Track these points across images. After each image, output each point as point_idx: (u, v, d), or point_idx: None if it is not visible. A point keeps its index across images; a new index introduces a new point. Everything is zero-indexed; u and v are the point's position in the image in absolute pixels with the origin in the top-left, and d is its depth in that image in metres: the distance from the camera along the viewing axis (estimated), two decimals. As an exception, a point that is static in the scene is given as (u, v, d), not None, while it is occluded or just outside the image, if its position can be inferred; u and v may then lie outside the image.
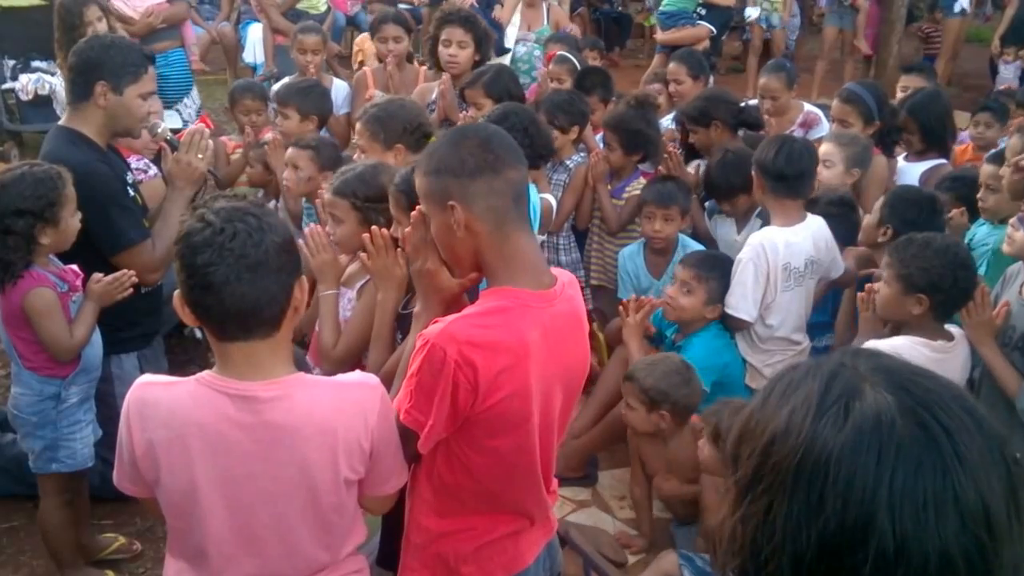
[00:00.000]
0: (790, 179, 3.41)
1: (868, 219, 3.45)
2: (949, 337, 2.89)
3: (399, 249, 2.37)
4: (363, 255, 2.44)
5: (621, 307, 3.54)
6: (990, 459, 0.89)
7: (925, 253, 2.82)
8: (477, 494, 1.91)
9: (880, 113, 4.25)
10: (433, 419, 1.76)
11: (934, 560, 0.85)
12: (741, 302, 3.40)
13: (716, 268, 3.48)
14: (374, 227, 2.43)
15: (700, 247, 3.93)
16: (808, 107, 5.03)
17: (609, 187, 4.21)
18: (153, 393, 1.77)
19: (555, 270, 1.94)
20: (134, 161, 3.82)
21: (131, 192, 3.28)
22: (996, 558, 0.87)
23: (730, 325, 3.50)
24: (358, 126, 3.27)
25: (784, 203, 3.45)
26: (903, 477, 0.86)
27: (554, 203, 3.93)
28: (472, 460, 1.86)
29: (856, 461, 0.88)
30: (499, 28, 5.68)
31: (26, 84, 6.38)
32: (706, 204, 4.25)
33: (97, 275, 2.86)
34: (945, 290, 2.80)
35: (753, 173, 3.50)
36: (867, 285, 3.13)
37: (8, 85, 6.54)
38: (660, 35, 7.37)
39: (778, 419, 0.94)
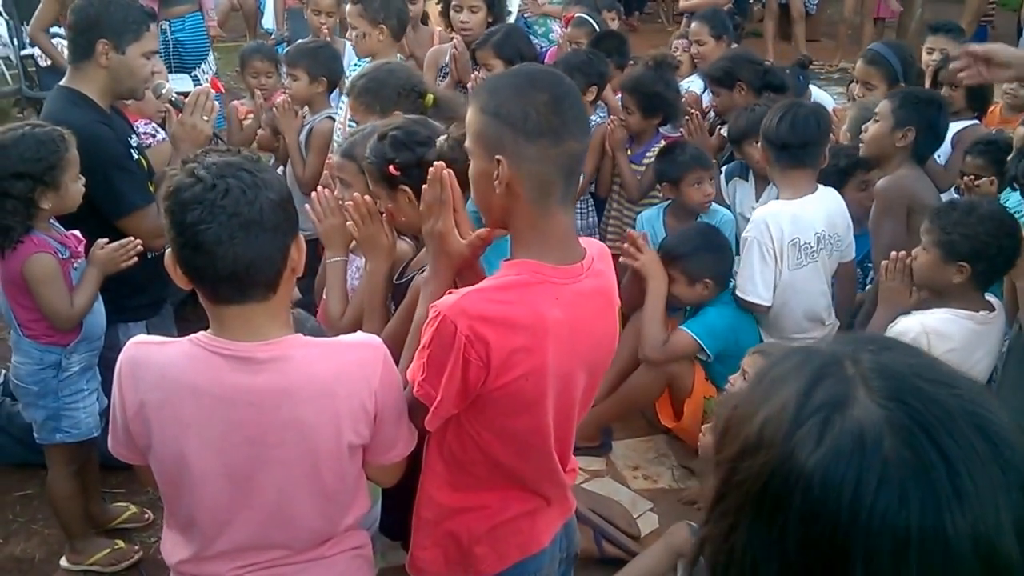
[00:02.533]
0: (794, 148, 3.26)
1: (875, 128, 3.29)
2: (990, 308, 2.77)
3: (383, 216, 2.28)
4: (349, 224, 2.34)
5: (628, 245, 3.38)
6: (1003, 488, 0.73)
7: (968, 219, 2.69)
8: (491, 469, 1.84)
9: (906, 75, 4.10)
10: (442, 394, 1.68)
11: None
12: (749, 284, 3.28)
13: (684, 245, 3.38)
14: (356, 195, 2.33)
15: (725, 211, 3.84)
16: (816, 93, 4.80)
17: (629, 152, 4.11)
18: (145, 352, 1.70)
19: (586, 241, 1.83)
20: (141, 125, 3.77)
21: (135, 155, 3.21)
22: None
23: (746, 309, 3.38)
24: (349, 101, 3.17)
25: (790, 174, 3.31)
26: (883, 511, 0.71)
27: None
28: (483, 438, 1.78)
29: (828, 488, 0.73)
30: None
31: (45, 49, 6.34)
32: (724, 168, 4.13)
33: (101, 241, 2.80)
34: (989, 258, 2.69)
35: (759, 143, 3.37)
36: (894, 253, 3.00)
37: (27, 51, 6.51)
38: (682, 1, 7.25)
39: (751, 426, 0.80)
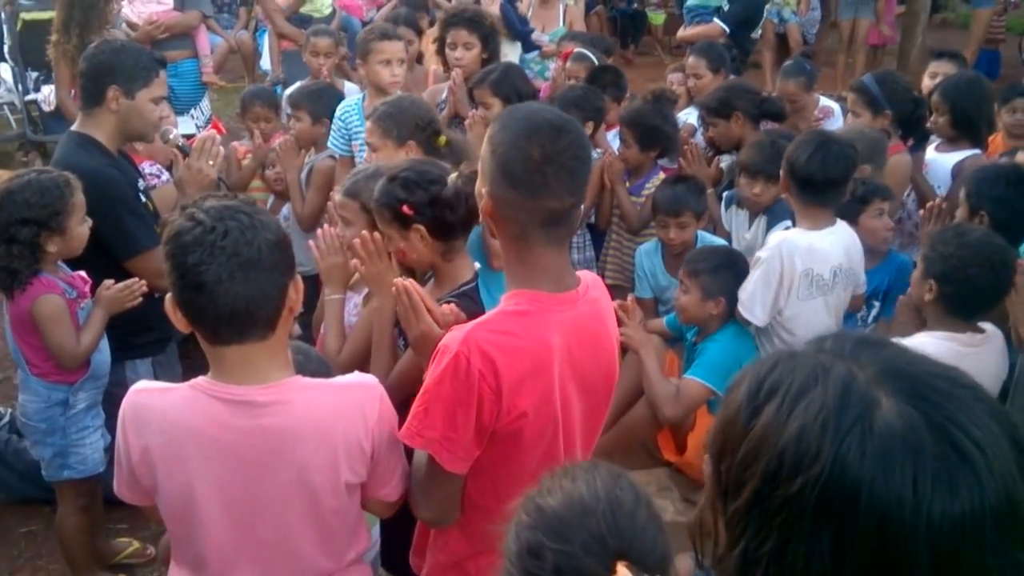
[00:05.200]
0: (819, 186, 3.13)
1: (959, 215, 3.21)
2: (979, 331, 2.73)
3: (391, 255, 2.33)
4: (356, 262, 2.38)
5: (621, 313, 3.29)
6: (1016, 461, 0.80)
7: (953, 240, 2.69)
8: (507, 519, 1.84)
9: (890, 102, 4.07)
10: (460, 432, 1.68)
11: None
12: (748, 301, 3.26)
13: (707, 260, 3.37)
14: (364, 232, 2.37)
15: (721, 242, 3.83)
16: (823, 101, 4.94)
17: (628, 184, 4.16)
18: (148, 399, 1.74)
19: (579, 272, 1.86)
20: (146, 167, 3.83)
21: (143, 198, 3.27)
22: None
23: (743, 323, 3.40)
24: (368, 124, 3.22)
25: (811, 209, 3.22)
26: (941, 505, 0.77)
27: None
28: (501, 478, 1.77)
29: (890, 491, 0.77)
30: (527, 23, 5.59)
31: (48, 95, 6.41)
32: (723, 195, 4.15)
33: (108, 282, 2.85)
34: (954, 282, 2.64)
35: (781, 170, 3.29)
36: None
37: (31, 96, 6.61)
38: (679, 32, 7.34)
39: (782, 441, 0.82)
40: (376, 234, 2.34)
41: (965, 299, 2.68)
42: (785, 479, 0.81)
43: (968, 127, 4.11)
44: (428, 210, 2.21)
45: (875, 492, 0.78)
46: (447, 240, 2.25)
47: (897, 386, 0.82)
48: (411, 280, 1.94)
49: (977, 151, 4.07)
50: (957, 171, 3.95)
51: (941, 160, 4.12)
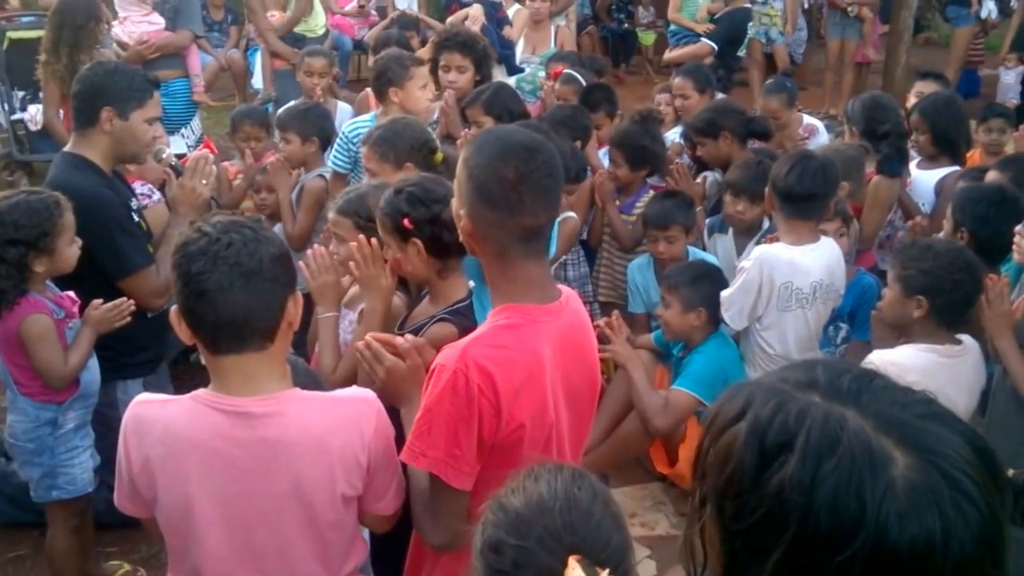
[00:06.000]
0: (799, 199, 3.24)
1: (944, 230, 3.31)
2: (958, 343, 2.81)
3: (387, 262, 2.38)
4: (351, 264, 2.44)
5: (607, 330, 3.38)
6: (989, 479, 0.86)
7: (926, 255, 2.78)
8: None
9: (867, 123, 4.16)
10: (464, 450, 1.70)
11: None
12: (728, 303, 3.35)
13: (685, 273, 3.44)
14: (361, 236, 2.43)
15: (710, 258, 3.88)
16: (807, 119, 5.03)
17: (618, 203, 4.20)
18: (149, 410, 1.78)
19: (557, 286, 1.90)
20: (138, 187, 3.83)
21: (135, 218, 3.28)
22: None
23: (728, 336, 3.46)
24: (365, 149, 3.27)
25: (793, 223, 3.30)
26: (960, 540, 0.82)
27: (578, 221, 3.95)
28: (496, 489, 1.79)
29: (929, 542, 0.82)
30: (510, 47, 5.65)
31: (35, 114, 6.39)
32: (707, 220, 4.20)
33: (96, 302, 2.84)
34: (945, 292, 2.73)
35: (767, 188, 3.38)
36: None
37: (18, 116, 6.59)
38: (666, 54, 7.42)
39: (817, 499, 0.83)
40: (374, 240, 2.40)
41: (955, 307, 2.76)
42: (828, 540, 0.83)
43: (948, 145, 4.26)
44: (427, 227, 2.24)
45: (916, 547, 0.82)
46: (443, 258, 2.27)
47: (899, 437, 0.85)
48: (369, 336, 1.98)
49: (957, 168, 4.20)
50: (939, 187, 4.09)
51: (924, 177, 4.25)
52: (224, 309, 1.66)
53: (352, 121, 4.26)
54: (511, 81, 5.35)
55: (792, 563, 0.85)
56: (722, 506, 0.91)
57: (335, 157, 4.15)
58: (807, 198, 3.25)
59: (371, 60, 5.94)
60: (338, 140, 4.18)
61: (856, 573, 0.82)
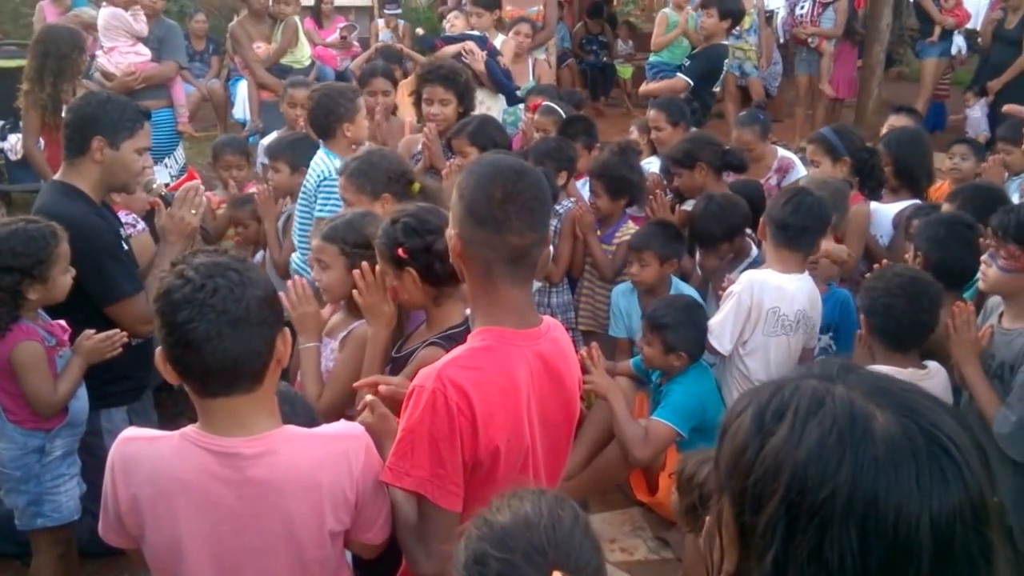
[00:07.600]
0: (791, 229, 3.33)
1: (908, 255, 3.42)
2: (923, 367, 2.89)
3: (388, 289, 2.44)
4: (355, 291, 2.50)
5: (587, 361, 3.35)
6: (977, 453, 0.94)
7: (881, 277, 2.93)
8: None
9: (849, 149, 4.27)
10: (448, 468, 1.73)
11: (964, 564, 0.90)
12: (718, 330, 3.40)
13: (669, 316, 3.43)
14: (364, 263, 2.49)
15: (691, 291, 3.94)
16: (782, 152, 5.13)
17: (599, 233, 4.26)
18: (137, 448, 1.75)
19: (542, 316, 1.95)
20: (123, 216, 3.85)
21: (125, 246, 3.30)
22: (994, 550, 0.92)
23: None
24: (341, 180, 3.27)
25: (783, 252, 3.39)
26: (939, 497, 0.89)
27: (549, 250, 3.97)
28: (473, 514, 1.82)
29: (901, 489, 0.89)
30: (511, 78, 5.70)
31: (14, 144, 6.39)
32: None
33: (88, 331, 2.86)
34: (878, 314, 2.86)
35: (762, 218, 3.48)
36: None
37: (-3, 145, 6.59)
38: (642, 87, 7.54)
39: (802, 451, 0.92)
40: (376, 266, 2.45)
41: (888, 330, 2.88)
42: (811, 488, 0.91)
43: (909, 178, 4.38)
44: (421, 256, 2.30)
45: (890, 492, 0.89)
46: (437, 287, 2.33)
47: (884, 401, 0.94)
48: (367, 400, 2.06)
49: (917, 201, 4.28)
50: (898, 220, 4.15)
51: (884, 210, 4.31)
52: (212, 359, 1.63)
53: (312, 168, 3.90)
54: (499, 115, 5.39)
55: (790, 507, 0.92)
56: (733, 486, 0.99)
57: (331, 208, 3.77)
58: (800, 230, 3.36)
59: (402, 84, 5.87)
60: (320, 191, 3.85)
61: (835, 524, 0.90)
